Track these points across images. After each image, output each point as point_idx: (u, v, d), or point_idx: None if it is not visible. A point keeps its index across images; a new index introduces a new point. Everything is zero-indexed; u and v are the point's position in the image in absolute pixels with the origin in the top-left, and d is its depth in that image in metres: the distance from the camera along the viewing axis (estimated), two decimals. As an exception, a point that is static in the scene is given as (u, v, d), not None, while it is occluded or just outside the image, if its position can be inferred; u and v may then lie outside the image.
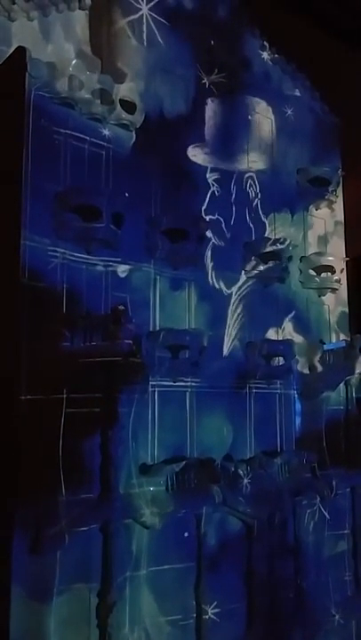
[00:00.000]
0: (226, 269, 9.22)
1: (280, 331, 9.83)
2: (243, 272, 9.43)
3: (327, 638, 9.01)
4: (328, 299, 10.77)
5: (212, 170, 9.36)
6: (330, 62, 12.04)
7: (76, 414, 6.85)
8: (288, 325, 9.99)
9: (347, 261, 11.12)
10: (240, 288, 9.36)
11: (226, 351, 9.00)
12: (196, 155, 9.18)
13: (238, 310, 9.27)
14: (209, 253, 9.01)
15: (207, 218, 9.08)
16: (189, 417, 8.33)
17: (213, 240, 9.12)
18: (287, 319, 9.99)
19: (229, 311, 9.18)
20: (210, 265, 9.05)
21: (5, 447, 6.62)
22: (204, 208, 9.16)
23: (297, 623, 8.74)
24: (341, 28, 13.07)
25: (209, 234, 8.93)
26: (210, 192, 9.28)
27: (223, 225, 9.34)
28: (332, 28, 12.89)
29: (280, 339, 9.70)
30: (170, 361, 7.84)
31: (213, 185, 9.31)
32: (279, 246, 9.53)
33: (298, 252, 10.37)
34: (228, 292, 9.27)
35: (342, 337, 10.69)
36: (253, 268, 9.41)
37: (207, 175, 9.30)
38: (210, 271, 9.05)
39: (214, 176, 9.37)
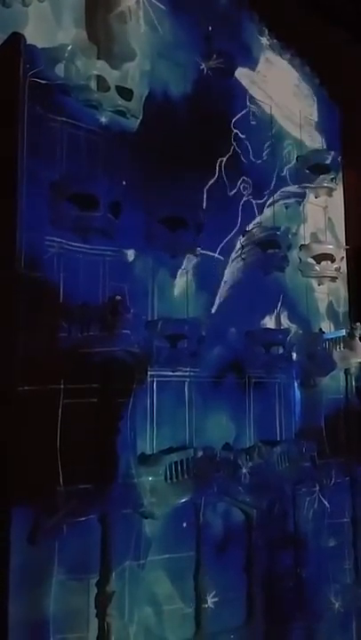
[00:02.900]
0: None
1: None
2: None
3: (327, 626, 9.04)
4: (321, 287, 10.78)
5: (251, 99, 9.90)
6: (331, 49, 11.90)
7: (73, 405, 6.81)
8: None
9: (347, 250, 11.07)
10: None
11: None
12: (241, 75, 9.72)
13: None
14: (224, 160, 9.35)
15: (235, 131, 9.44)
16: (188, 406, 8.31)
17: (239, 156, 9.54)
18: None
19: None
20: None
21: (3, 438, 6.58)
22: (234, 120, 9.47)
23: (297, 611, 8.77)
24: (343, 15, 12.91)
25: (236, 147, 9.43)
26: (245, 111, 9.72)
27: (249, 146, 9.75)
28: (333, 15, 12.74)
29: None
30: (168, 350, 7.83)
31: (251, 109, 9.77)
32: (277, 234, 9.50)
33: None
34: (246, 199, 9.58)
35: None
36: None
37: (246, 98, 9.78)
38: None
39: (253, 107, 9.87)
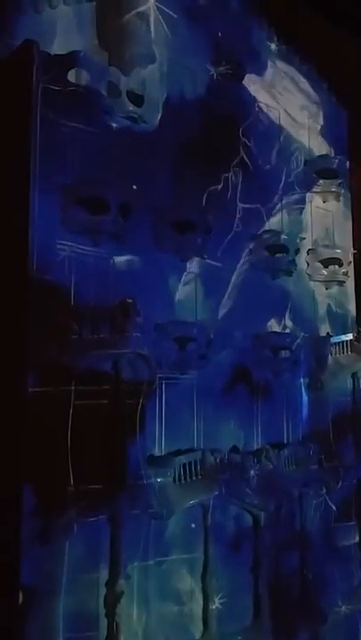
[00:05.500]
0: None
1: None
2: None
3: (333, 628, 9.06)
4: (328, 291, 10.82)
5: (259, 105, 10.00)
6: (339, 54, 11.94)
7: (84, 406, 6.90)
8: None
9: (354, 254, 11.11)
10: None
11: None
12: (250, 84, 9.81)
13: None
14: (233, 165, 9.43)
15: (242, 139, 9.50)
16: (196, 409, 8.36)
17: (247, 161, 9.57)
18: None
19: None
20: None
21: (14, 439, 6.67)
22: (242, 128, 9.56)
23: (304, 612, 8.80)
24: (352, 20, 12.95)
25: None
26: (253, 118, 9.79)
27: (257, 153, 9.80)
28: (343, 20, 12.78)
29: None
30: (177, 353, 7.89)
31: (260, 114, 9.86)
32: (285, 238, 9.56)
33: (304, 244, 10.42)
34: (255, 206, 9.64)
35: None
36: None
37: (255, 105, 9.86)
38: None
39: (261, 114, 9.94)
